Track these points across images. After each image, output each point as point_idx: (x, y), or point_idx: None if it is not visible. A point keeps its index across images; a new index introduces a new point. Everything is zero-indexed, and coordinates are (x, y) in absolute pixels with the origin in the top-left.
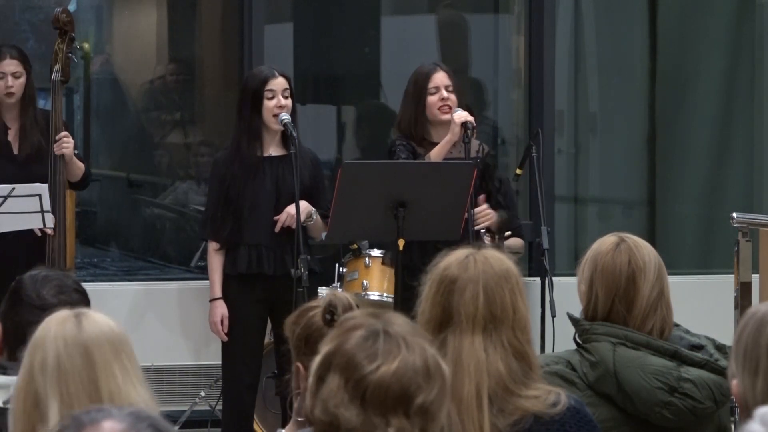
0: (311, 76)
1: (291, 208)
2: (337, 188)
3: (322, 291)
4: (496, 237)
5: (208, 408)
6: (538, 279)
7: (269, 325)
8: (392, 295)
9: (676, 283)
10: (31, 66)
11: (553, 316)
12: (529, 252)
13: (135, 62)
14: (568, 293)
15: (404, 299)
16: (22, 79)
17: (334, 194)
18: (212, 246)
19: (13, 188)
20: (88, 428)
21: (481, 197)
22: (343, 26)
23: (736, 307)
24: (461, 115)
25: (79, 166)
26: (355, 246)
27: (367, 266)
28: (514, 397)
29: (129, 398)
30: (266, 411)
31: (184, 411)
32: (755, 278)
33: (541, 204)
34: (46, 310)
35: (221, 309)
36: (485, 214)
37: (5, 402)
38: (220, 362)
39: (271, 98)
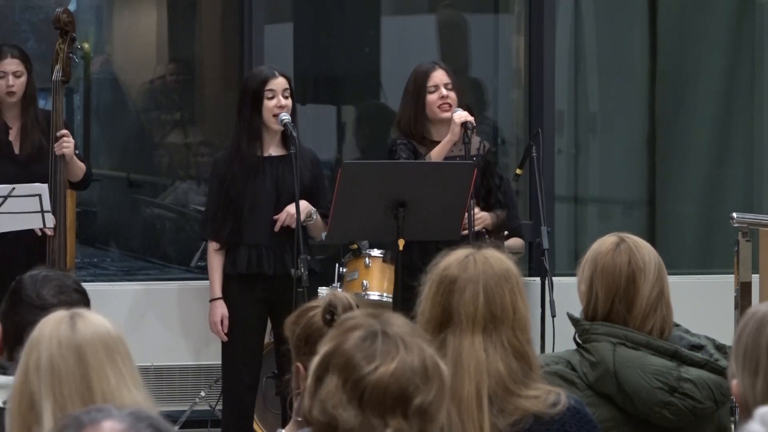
0: (311, 76)
1: (291, 208)
2: (337, 188)
3: (322, 291)
4: (493, 237)
5: (208, 408)
6: (538, 279)
7: (269, 325)
8: (392, 295)
9: (676, 283)
10: (32, 66)
11: (553, 316)
12: (529, 252)
13: (135, 62)
14: (568, 293)
15: (404, 299)
16: (23, 79)
17: (334, 194)
18: (212, 246)
19: (13, 188)
20: (88, 428)
21: (472, 201)
22: (343, 26)
23: (736, 307)
24: (461, 115)
25: (80, 167)
26: (355, 246)
27: (367, 266)
28: (514, 397)
29: (122, 401)
30: (266, 411)
31: (184, 411)
32: (755, 278)
33: (541, 204)
34: (46, 310)
35: (221, 309)
36: (479, 218)
37: (4, 402)
38: (220, 362)
39: (271, 98)
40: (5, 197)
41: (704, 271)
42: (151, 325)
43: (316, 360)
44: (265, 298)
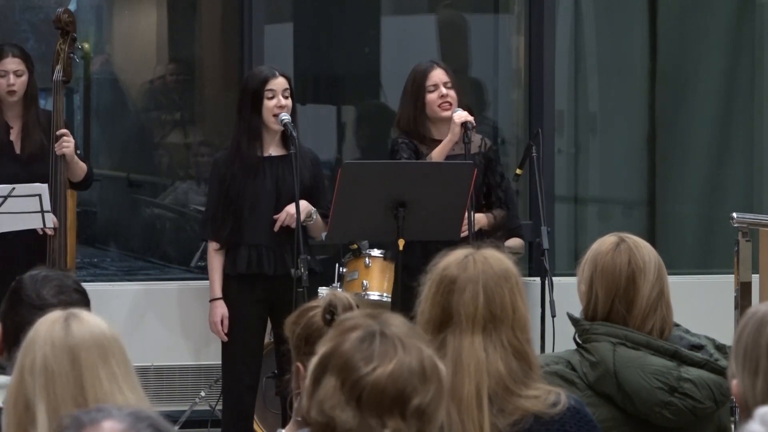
0: (311, 76)
1: (290, 208)
2: (337, 188)
3: (322, 291)
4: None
5: (208, 408)
6: (538, 279)
7: (269, 325)
8: (391, 295)
9: (676, 283)
10: (34, 65)
11: (553, 316)
12: (529, 252)
13: (135, 62)
14: (568, 293)
15: (404, 299)
16: (24, 78)
17: (334, 194)
18: (212, 246)
19: (13, 188)
20: (88, 428)
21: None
22: (343, 26)
23: (736, 307)
24: (461, 115)
25: (81, 167)
26: (355, 246)
27: (367, 266)
28: (514, 396)
29: (114, 403)
30: (266, 411)
31: (184, 411)
32: (755, 278)
33: (541, 204)
34: (46, 310)
35: (221, 309)
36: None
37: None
38: (220, 362)
39: (271, 98)
40: (5, 197)
41: (704, 271)
42: (151, 325)
43: (314, 361)
44: (265, 298)
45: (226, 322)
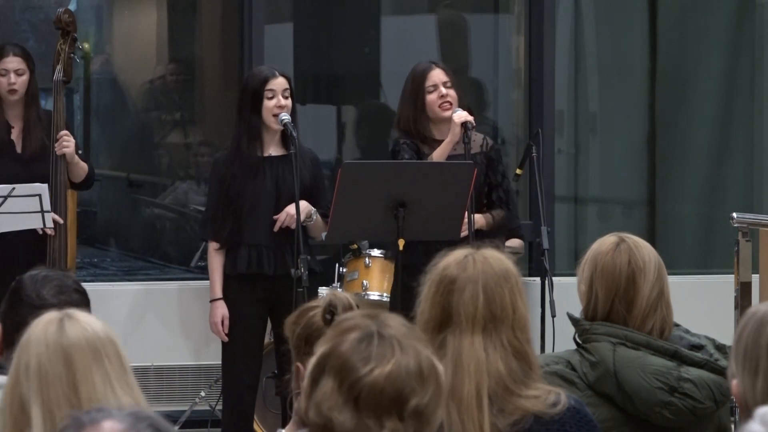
0: (311, 76)
1: (290, 208)
2: (337, 188)
3: (322, 291)
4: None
5: (208, 408)
6: (538, 279)
7: (269, 325)
8: (390, 295)
9: (676, 283)
10: (35, 65)
11: (553, 316)
12: (529, 252)
13: (135, 62)
14: (568, 293)
15: (404, 299)
16: (25, 77)
17: (334, 194)
18: (212, 246)
19: (13, 188)
20: (88, 428)
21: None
22: (343, 26)
23: (736, 307)
24: (461, 115)
25: (83, 167)
26: (355, 246)
27: (367, 266)
28: (514, 396)
29: (108, 404)
30: (266, 411)
31: (184, 411)
32: (755, 278)
33: (541, 204)
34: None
35: (222, 309)
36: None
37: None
38: (220, 362)
39: (271, 98)
40: (5, 197)
41: (704, 271)
42: (151, 325)
43: (312, 362)
44: (265, 298)
45: (226, 323)
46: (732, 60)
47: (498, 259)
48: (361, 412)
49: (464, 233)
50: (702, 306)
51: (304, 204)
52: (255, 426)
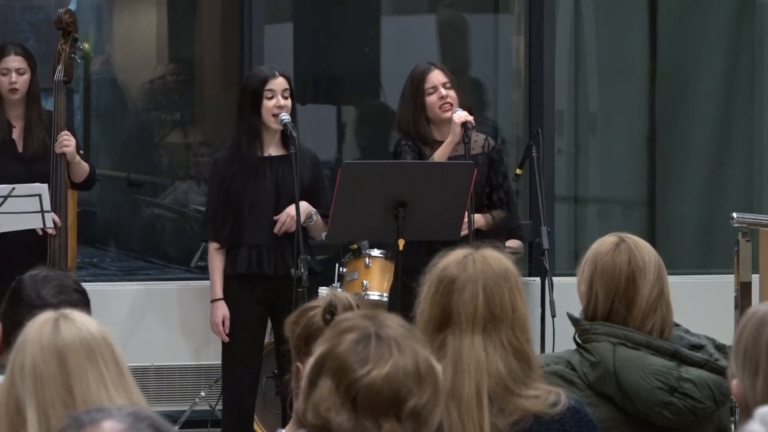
0: (311, 76)
1: (291, 209)
2: (337, 188)
3: (322, 291)
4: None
5: (208, 408)
6: (538, 279)
7: (269, 325)
8: (389, 295)
9: (676, 283)
10: (36, 65)
11: (553, 316)
12: (529, 252)
13: (135, 62)
14: (568, 293)
15: (404, 299)
16: (26, 76)
17: (334, 194)
18: (212, 246)
19: (13, 188)
20: (88, 428)
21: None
22: (343, 26)
23: (736, 307)
24: (461, 116)
25: (84, 167)
26: (355, 246)
27: (367, 266)
28: (514, 396)
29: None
30: (266, 411)
31: (184, 411)
32: (755, 278)
33: (541, 204)
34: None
35: (222, 310)
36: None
37: None
38: (220, 362)
39: (271, 98)
40: (5, 197)
41: (704, 271)
42: (151, 325)
43: (309, 363)
44: (265, 298)
45: (227, 323)
46: (732, 60)
47: (497, 258)
48: (358, 413)
49: (464, 233)
50: (702, 306)
51: (304, 205)
52: (255, 426)
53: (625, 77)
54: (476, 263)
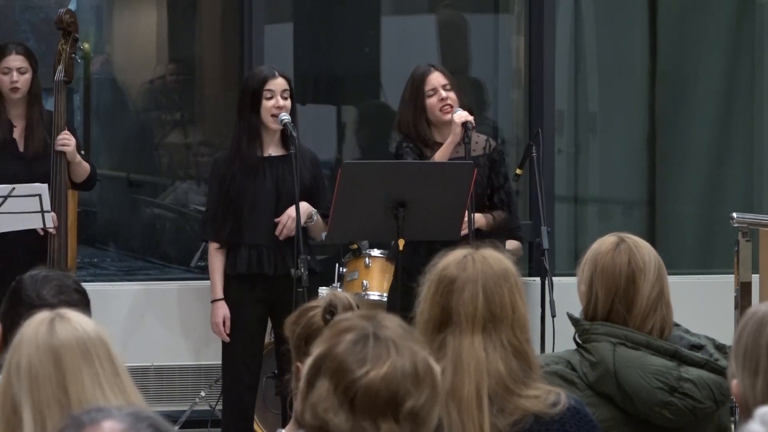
0: (311, 76)
1: (292, 210)
2: (337, 188)
3: (322, 291)
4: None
5: (208, 408)
6: (538, 279)
7: (269, 325)
8: (388, 295)
9: (676, 283)
10: (38, 64)
11: (553, 316)
12: (529, 252)
13: (135, 62)
14: (568, 293)
15: (404, 299)
16: (28, 76)
17: (334, 194)
18: (213, 246)
19: (13, 188)
20: (88, 428)
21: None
22: (343, 26)
23: (736, 307)
24: (461, 115)
25: (85, 167)
26: (355, 246)
27: (367, 266)
28: (514, 396)
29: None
30: (266, 411)
31: (184, 411)
32: (755, 278)
33: (541, 204)
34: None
35: (223, 310)
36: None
37: None
38: (220, 362)
39: (270, 98)
40: (5, 197)
41: (704, 271)
42: (151, 325)
43: (307, 363)
44: (266, 298)
45: (228, 323)
46: (732, 60)
47: (497, 258)
48: (356, 414)
49: (464, 232)
50: (702, 306)
51: (304, 205)
52: (255, 426)
53: (625, 77)
54: (476, 263)
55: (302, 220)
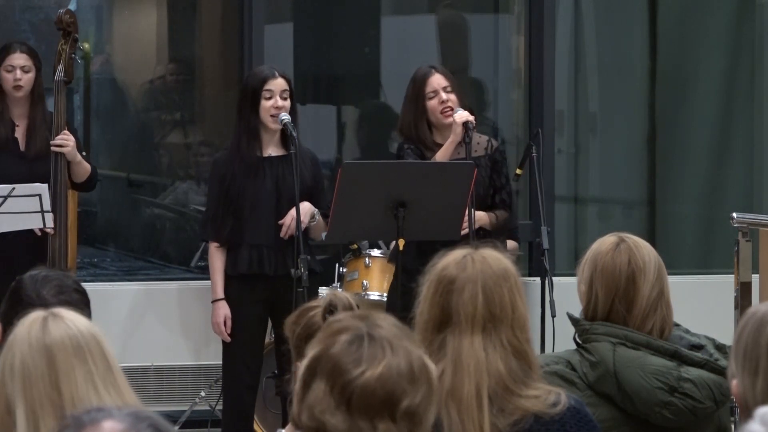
0: (311, 76)
1: (294, 211)
2: (337, 188)
3: (322, 291)
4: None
5: (208, 408)
6: (538, 279)
7: (269, 325)
8: (387, 295)
9: (676, 283)
10: (41, 64)
11: (553, 316)
12: (529, 252)
13: (135, 62)
14: (568, 293)
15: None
16: (31, 74)
17: (334, 194)
18: (213, 246)
19: (13, 188)
20: (88, 428)
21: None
22: (343, 26)
23: (736, 307)
24: (462, 115)
25: (85, 167)
26: (355, 246)
27: (367, 266)
28: (514, 396)
29: (91, 403)
30: (266, 411)
31: (184, 411)
32: (755, 278)
33: (541, 204)
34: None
35: (224, 310)
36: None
37: None
38: (220, 362)
39: (269, 98)
40: (5, 197)
41: (704, 271)
42: (151, 325)
43: (303, 365)
44: (266, 299)
45: (228, 323)
46: (732, 60)
47: (497, 258)
48: (353, 414)
49: (464, 231)
50: (702, 306)
51: (307, 205)
52: (255, 426)
53: (625, 77)
54: (475, 263)
55: (305, 220)
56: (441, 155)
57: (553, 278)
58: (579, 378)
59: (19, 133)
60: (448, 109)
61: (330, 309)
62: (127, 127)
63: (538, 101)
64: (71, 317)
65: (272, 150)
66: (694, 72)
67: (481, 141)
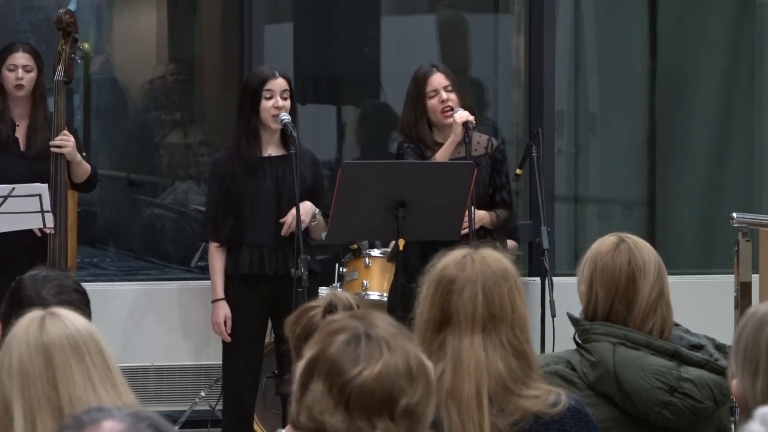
0: (311, 76)
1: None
2: (337, 188)
3: (323, 291)
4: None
5: (208, 408)
6: (538, 279)
7: (270, 325)
8: (388, 295)
9: (676, 283)
10: (43, 64)
11: (553, 316)
12: (529, 252)
13: (135, 62)
14: (568, 293)
15: (405, 300)
16: (33, 74)
17: (334, 194)
18: (213, 246)
19: (13, 188)
20: (89, 428)
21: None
22: (343, 26)
23: (736, 307)
24: (462, 115)
25: (85, 167)
26: (355, 246)
27: (367, 266)
28: (514, 396)
29: (87, 403)
30: (266, 411)
31: (184, 411)
32: (755, 278)
33: (541, 204)
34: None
35: (224, 310)
36: (477, 217)
37: None
38: (220, 362)
39: (269, 98)
40: (5, 197)
41: (704, 271)
42: (151, 325)
43: (301, 366)
44: (266, 299)
45: (229, 323)
46: (732, 60)
47: (496, 258)
48: (352, 414)
49: (464, 231)
50: (702, 306)
51: (308, 204)
52: (255, 426)
53: (625, 77)
54: (475, 263)
55: (306, 219)
56: (441, 155)
57: (553, 278)
58: (579, 378)
59: (20, 133)
60: (449, 108)
61: (330, 309)
62: (127, 127)
63: (538, 101)
64: (69, 316)
65: (272, 150)
66: (694, 72)
67: (481, 140)
